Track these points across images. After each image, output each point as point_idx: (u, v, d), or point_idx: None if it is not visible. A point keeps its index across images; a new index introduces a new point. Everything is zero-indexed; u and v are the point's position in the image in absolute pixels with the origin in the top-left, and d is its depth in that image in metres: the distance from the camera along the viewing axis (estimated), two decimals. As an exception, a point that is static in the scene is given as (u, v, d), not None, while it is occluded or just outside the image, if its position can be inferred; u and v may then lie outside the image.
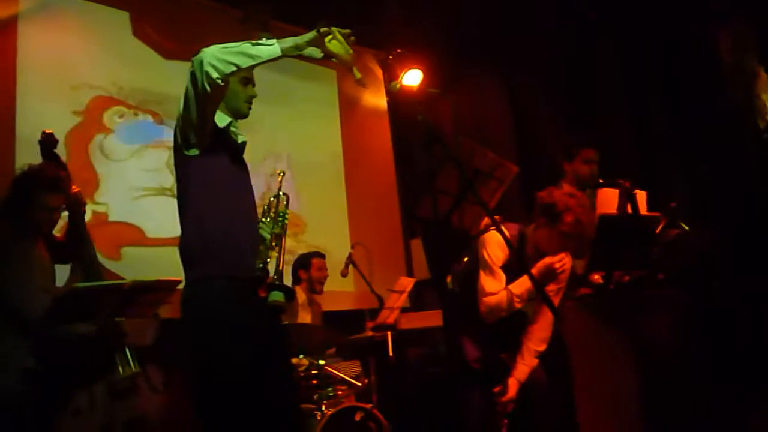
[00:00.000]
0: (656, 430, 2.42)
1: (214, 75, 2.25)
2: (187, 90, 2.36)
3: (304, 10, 5.52)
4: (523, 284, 3.02)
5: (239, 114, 2.65)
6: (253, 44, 2.30)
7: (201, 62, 2.28)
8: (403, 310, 4.80)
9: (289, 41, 2.32)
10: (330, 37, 2.32)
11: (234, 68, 2.28)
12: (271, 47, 2.30)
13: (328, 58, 2.37)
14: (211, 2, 5.15)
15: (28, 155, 3.80)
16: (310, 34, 2.31)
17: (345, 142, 6.01)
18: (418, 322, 4.90)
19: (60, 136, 3.19)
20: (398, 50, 5.85)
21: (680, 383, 2.55)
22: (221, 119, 2.57)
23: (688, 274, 2.98)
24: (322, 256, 4.67)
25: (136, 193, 4.43)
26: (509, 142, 6.33)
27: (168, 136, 4.59)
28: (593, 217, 3.05)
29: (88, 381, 2.71)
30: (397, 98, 6.11)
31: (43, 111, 4.09)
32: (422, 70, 5.82)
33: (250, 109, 2.66)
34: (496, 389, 3.11)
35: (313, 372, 3.78)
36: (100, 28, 4.52)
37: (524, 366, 3.13)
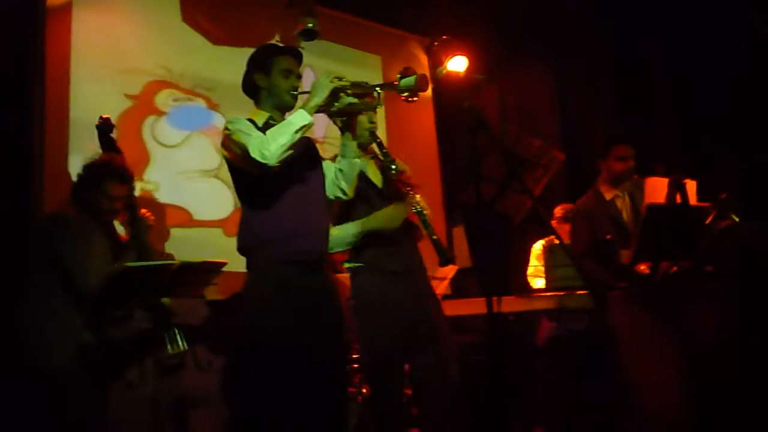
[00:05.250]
0: (700, 421, 2.39)
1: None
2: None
3: (349, -5, 5.54)
4: None
5: (284, 107, 2.66)
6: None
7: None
8: (445, 297, 4.79)
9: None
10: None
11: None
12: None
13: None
14: (258, -13, 5.19)
15: (81, 137, 3.90)
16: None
17: (389, 128, 6.00)
18: (460, 310, 4.90)
19: (112, 118, 3.27)
20: (444, 36, 5.82)
21: (725, 375, 2.51)
22: (260, 117, 2.59)
23: (737, 266, 2.92)
24: None
25: (184, 175, 4.51)
26: (555, 129, 6.25)
27: (218, 122, 4.67)
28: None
29: (139, 356, 2.79)
30: (441, 84, 6.07)
31: (96, 94, 4.18)
32: (468, 56, 5.77)
33: (295, 99, 2.66)
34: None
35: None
36: (151, 14, 4.59)
37: None
